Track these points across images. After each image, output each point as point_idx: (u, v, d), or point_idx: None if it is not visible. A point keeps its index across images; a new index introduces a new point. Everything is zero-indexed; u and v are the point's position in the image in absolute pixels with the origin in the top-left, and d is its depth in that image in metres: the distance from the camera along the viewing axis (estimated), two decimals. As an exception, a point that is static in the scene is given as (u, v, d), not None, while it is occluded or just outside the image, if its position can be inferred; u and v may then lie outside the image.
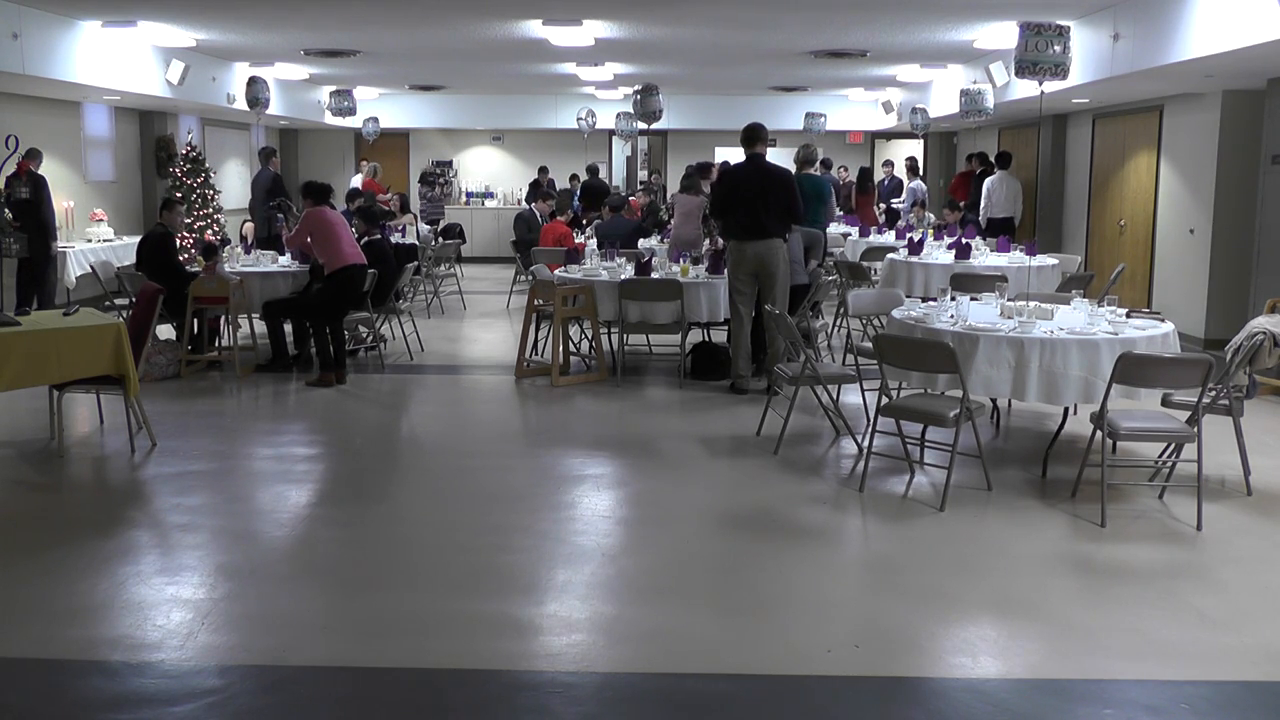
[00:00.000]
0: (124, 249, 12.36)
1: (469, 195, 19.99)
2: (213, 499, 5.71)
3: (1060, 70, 7.46)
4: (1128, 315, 6.39)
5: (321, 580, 4.69)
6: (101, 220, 12.82)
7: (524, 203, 18.43)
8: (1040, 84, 7.51)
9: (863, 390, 7.09)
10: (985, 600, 4.42)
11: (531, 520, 5.34)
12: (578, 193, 16.97)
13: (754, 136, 8.14)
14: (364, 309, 8.96)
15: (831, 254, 11.91)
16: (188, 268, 9.36)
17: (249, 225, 13.04)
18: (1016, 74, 7.67)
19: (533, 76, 15.41)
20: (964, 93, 11.60)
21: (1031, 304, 6.36)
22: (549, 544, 5.04)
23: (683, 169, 18.14)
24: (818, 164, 11.19)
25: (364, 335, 9.63)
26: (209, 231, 13.74)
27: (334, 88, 15.79)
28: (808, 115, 16.58)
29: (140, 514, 5.56)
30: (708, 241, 10.43)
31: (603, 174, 19.51)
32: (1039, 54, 7.32)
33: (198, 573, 4.66)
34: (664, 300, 8.40)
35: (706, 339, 9.17)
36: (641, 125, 13.71)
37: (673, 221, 11.21)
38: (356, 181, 16.27)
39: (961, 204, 13.23)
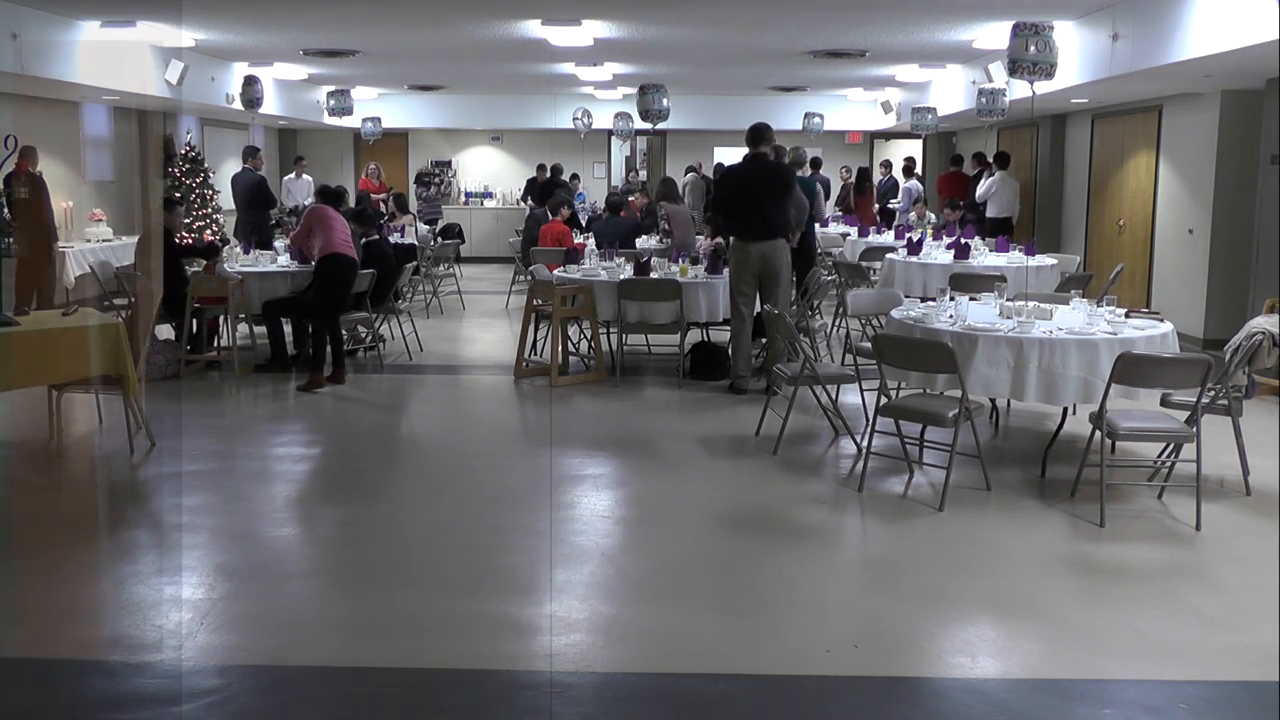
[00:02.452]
0: (123, 249, 12.35)
1: (468, 195, 19.99)
2: (212, 499, 5.71)
3: (1050, 70, 7.45)
4: (1127, 315, 6.39)
5: (321, 580, 4.69)
6: (100, 220, 12.82)
7: (521, 197, 18.46)
8: (1031, 84, 7.50)
9: (862, 390, 7.09)
10: (984, 600, 4.43)
11: (531, 520, 5.35)
12: (580, 193, 17.02)
13: (760, 136, 8.10)
14: (363, 309, 8.96)
15: (830, 254, 11.92)
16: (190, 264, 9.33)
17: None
18: (1010, 73, 7.67)
19: (531, 76, 15.40)
20: (982, 92, 11.57)
21: (1030, 304, 6.36)
22: (549, 544, 5.04)
23: (682, 169, 18.24)
24: (807, 165, 11.20)
25: (363, 335, 9.63)
26: (208, 231, 13.74)
27: (333, 88, 15.77)
28: (807, 115, 16.59)
29: (140, 514, 5.56)
30: (704, 239, 10.45)
31: (601, 174, 19.52)
32: (1027, 54, 7.32)
33: (197, 573, 4.66)
34: (663, 300, 8.40)
35: (706, 339, 9.17)
36: (644, 125, 13.67)
37: (673, 234, 11.22)
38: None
39: (961, 203, 13.23)
